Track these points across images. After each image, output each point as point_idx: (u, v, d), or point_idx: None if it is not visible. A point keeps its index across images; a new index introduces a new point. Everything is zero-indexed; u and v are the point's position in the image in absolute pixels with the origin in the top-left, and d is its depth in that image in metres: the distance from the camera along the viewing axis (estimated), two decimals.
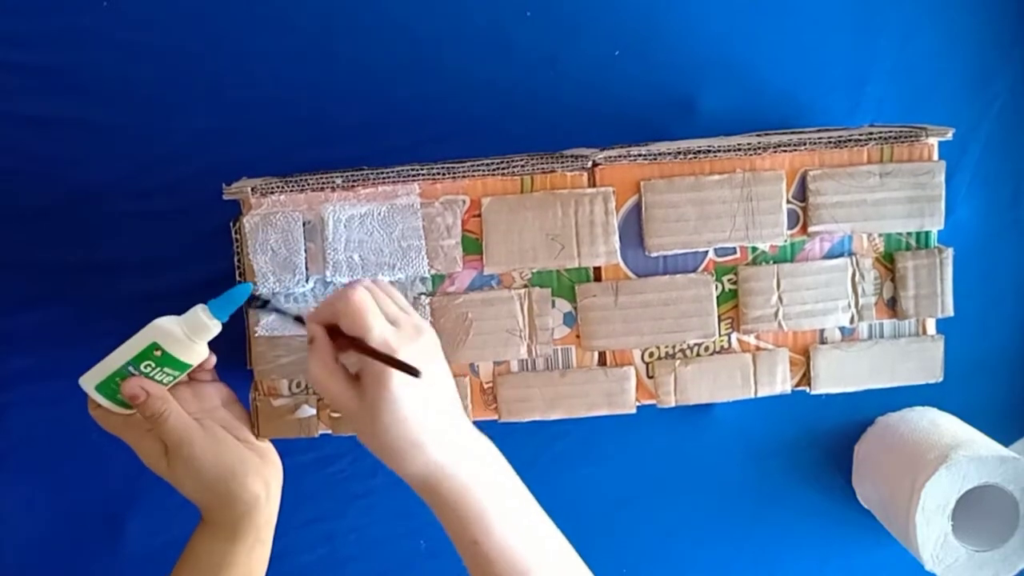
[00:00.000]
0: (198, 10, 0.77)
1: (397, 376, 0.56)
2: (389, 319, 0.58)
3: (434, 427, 0.58)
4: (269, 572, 0.70)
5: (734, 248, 0.70)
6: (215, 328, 0.64)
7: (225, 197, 0.67)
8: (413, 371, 0.55)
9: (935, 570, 0.74)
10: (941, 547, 0.74)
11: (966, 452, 0.73)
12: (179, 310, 0.79)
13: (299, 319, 0.64)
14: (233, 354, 0.75)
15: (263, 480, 0.67)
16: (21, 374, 0.79)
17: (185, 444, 0.64)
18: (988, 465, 0.73)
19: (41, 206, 0.78)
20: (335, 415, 0.70)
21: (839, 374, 0.71)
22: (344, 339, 0.58)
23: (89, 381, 0.64)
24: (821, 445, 0.85)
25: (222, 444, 0.66)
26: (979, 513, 0.75)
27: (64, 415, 0.79)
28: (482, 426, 0.71)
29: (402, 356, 0.56)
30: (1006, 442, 0.86)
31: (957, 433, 0.77)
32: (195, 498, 0.66)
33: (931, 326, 0.72)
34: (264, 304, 0.66)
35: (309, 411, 0.69)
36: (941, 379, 0.72)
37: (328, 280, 0.67)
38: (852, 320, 0.71)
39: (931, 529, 0.73)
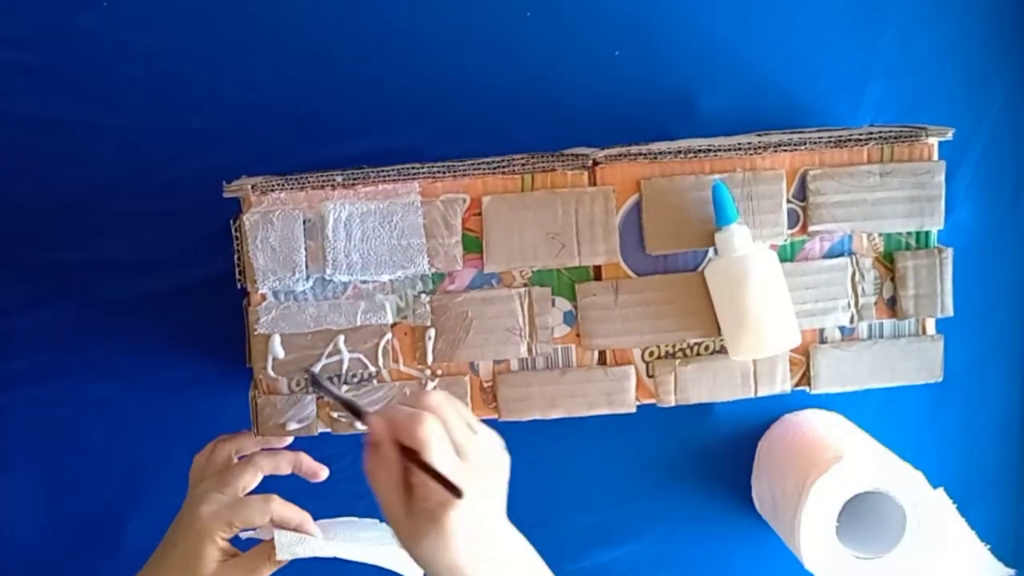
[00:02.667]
0: (198, 10, 0.77)
1: (454, 513, 0.54)
2: (456, 447, 0.56)
3: (475, 553, 0.56)
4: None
5: None
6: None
7: (225, 195, 0.67)
8: (457, 491, 0.54)
9: (814, 570, 0.73)
10: (823, 548, 0.72)
11: (861, 456, 0.72)
12: (179, 310, 0.79)
13: (352, 407, 0.61)
14: (233, 353, 0.75)
15: None
16: (21, 374, 0.79)
17: None
18: (881, 472, 0.72)
19: (41, 206, 0.78)
20: (337, 417, 0.70)
21: (839, 374, 0.71)
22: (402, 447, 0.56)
23: None
24: None
25: None
26: (867, 521, 0.74)
27: (64, 415, 0.79)
28: None
29: (465, 494, 0.54)
30: (1006, 443, 0.86)
31: (855, 438, 0.77)
32: None
33: (931, 326, 0.72)
34: (314, 382, 0.64)
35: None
36: (941, 379, 0.72)
37: (328, 278, 0.67)
38: (852, 320, 0.71)
39: (815, 528, 0.72)
